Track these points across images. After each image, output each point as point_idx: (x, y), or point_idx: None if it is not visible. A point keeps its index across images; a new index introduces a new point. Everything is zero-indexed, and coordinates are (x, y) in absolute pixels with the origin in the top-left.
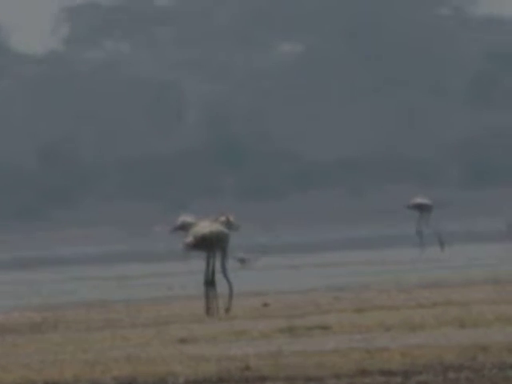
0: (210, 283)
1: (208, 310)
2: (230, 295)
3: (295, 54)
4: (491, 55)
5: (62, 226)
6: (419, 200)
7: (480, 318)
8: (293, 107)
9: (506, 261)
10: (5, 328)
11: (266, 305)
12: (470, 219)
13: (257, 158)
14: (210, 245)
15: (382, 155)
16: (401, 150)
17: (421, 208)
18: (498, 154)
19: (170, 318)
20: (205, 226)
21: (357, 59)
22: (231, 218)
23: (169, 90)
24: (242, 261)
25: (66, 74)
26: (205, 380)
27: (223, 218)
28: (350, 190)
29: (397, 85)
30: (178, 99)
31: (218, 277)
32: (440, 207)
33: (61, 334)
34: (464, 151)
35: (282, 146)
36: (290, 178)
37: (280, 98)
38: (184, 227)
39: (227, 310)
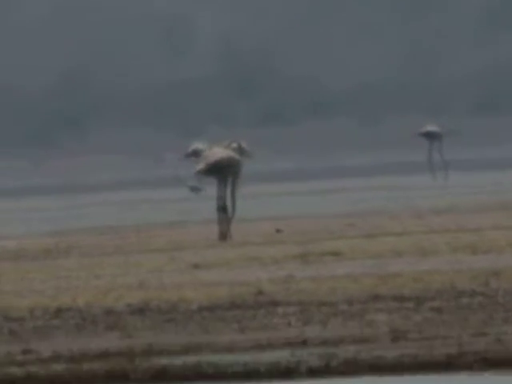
0: (222, 209)
1: (221, 236)
2: (230, 221)
3: None
4: None
5: (74, 154)
6: (429, 128)
7: (492, 243)
8: (307, 35)
9: None
10: (18, 254)
11: (278, 231)
12: (482, 147)
13: (270, 85)
14: (221, 171)
15: (395, 83)
16: (414, 79)
17: (430, 136)
18: (511, 83)
19: (183, 243)
20: (217, 153)
21: None
22: (243, 145)
23: (182, 21)
24: (195, 189)
25: (80, 3)
26: (217, 305)
27: (235, 145)
28: (362, 118)
29: (411, 13)
30: (191, 30)
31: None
32: (451, 135)
33: (74, 260)
34: (476, 80)
35: (295, 74)
36: (303, 105)
37: (294, 24)
38: (196, 154)
39: (223, 236)
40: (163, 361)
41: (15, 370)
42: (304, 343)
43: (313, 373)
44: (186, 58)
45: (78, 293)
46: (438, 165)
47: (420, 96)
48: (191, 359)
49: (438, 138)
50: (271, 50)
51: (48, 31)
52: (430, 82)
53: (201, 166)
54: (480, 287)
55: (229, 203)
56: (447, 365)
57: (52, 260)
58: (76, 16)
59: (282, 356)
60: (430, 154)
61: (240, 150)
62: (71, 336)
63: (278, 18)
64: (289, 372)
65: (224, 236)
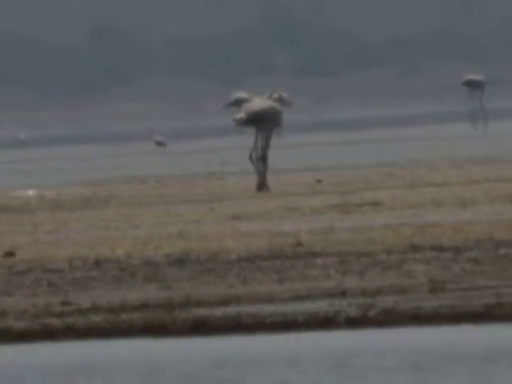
0: (262, 159)
1: (260, 187)
2: (264, 173)
3: None
4: None
5: (116, 102)
6: (471, 76)
7: None
8: None
9: None
10: (57, 204)
11: (318, 181)
12: None
13: (311, 36)
14: (261, 121)
15: (434, 33)
16: (453, 28)
17: (473, 85)
18: None
19: (222, 194)
20: (257, 103)
21: None
22: (284, 95)
23: None
24: (159, 144)
25: None
26: (257, 256)
27: (276, 95)
28: (402, 68)
29: None
30: None
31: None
32: (492, 84)
33: (112, 209)
34: None
35: (336, 25)
36: (344, 56)
37: None
38: (238, 103)
39: (262, 186)
40: (202, 312)
41: (54, 321)
42: (343, 294)
43: (351, 323)
44: (227, 9)
45: (116, 243)
46: (479, 114)
47: (461, 45)
48: (230, 310)
49: (480, 86)
50: (311, 1)
51: None
52: (470, 30)
53: (241, 115)
54: None
55: (263, 153)
56: (485, 315)
57: (90, 210)
58: None
59: (320, 306)
60: (472, 102)
61: (281, 100)
62: (110, 287)
63: None
64: (327, 322)
65: (262, 187)
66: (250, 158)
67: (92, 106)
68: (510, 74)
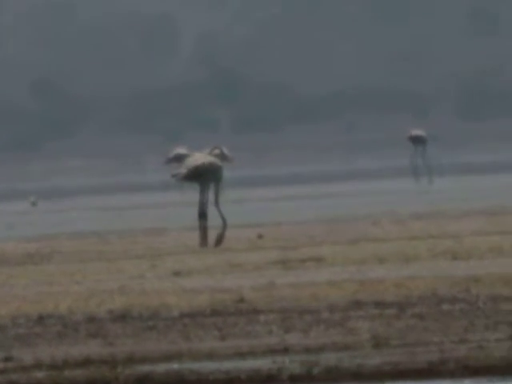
0: (203, 215)
1: (202, 242)
2: (224, 228)
3: None
4: None
5: (58, 158)
6: (415, 132)
7: (473, 249)
8: (289, 40)
9: (499, 193)
10: (0, 259)
11: (260, 236)
12: (466, 151)
13: (252, 91)
14: (202, 176)
15: (377, 88)
16: (396, 83)
17: (416, 140)
18: (496, 86)
19: (164, 249)
20: (198, 158)
21: None
22: (225, 151)
23: (164, 23)
24: (34, 203)
25: (61, 6)
26: (199, 312)
27: (217, 151)
28: (345, 123)
29: (392, 17)
30: (173, 32)
31: (211, 209)
32: (435, 139)
33: (55, 265)
34: (460, 83)
35: (277, 80)
36: (286, 111)
37: (276, 30)
38: (178, 159)
39: (218, 242)
40: (145, 368)
41: None
42: (285, 350)
43: (294, 380)
44: (167, 65)
45: (59, 298)
46: (422, 169)
47: (402, 101)
48: (173, 367)
49: (422, 142)
50: (252, 56)
51: (30, 34)
52: (412, 85)
53: (182, 170)
54: (461, 293)
55: (213, 210)
56: (429, 372)
57: (34, 265)
58: (55, 21)
59: (263, 363)
60: (416, 158)
61: (222, 156)
62: (53, 343)
63: (262, 24)
64: (270, 379)
65: (205, 242)
66: (201, 214)
67: (33, 161)
68: (453, 129)
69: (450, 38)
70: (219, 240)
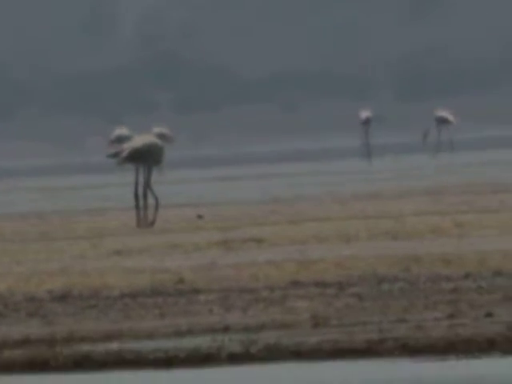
0: (143, 195)
1: (139, 222)
2: (156, 208)
3: None
4: None
5: None
6: (365, 113)
7: (413, 229)
8: (228, 22)
9: (438, 172)
10: None
11: (200, 217)
12: (404, 132)
13: (191, 73)
14: (143, 157)
15: (316, 71)
16: (335, 66)
17: (366, 121)
18: (432, 69)
19: (104, 230)
20: (138, 140)
21: None
22: (165, 131)
23: (102, 5)
24: None
25: None
26: (139, 292)
27: (157, 130)
28: (283, 105)
29: (332, 0)
30: (111, 14)
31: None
32: (378, 121)
33: None
34: (398, 67)
35: (216, 62)
36: (225, 92)
37: (215, 12)
38: (119, 140)
39: (152, 222)
40: (85, 348)
41: None
42: (225, 329)
43: (233, 359)
44: (106, 46)
45: None
46: (367, 150)
47: (341, 82)
48: (113, 346)
49: (367, 122)
50: (191, 38)
51: None
52: (351, 68)
53: (123, 153)
54: (401, 273)
55: (144, 190)
56: (368, 351)
57: None
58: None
59: (202, 342)
60: (365, 138)
61: (162, 136)
62: None
63: (200, 6)
64: (210, 358)
65: (145, 223)
66: (135, 194)
67: None
68: (390, 111)
69: (386, 20)
70: (153, 220)
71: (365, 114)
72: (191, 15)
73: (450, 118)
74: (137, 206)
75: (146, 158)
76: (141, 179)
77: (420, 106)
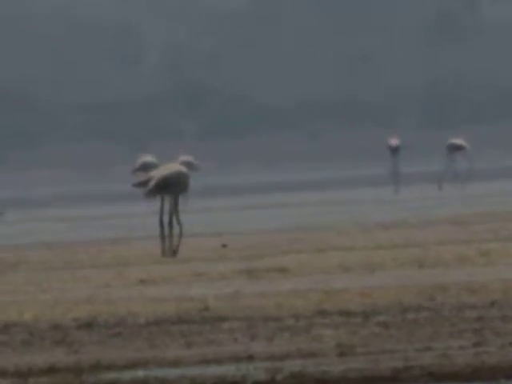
0: (169, 224)
1: (163, 251)
2: (181, 236)
3: None
4: None
5: (23, 168)
6: (395, 141)
7: (438, 258)
8: (254, 51)
9: (464, 201)
10: None
11: (224, 246)
12: (430, 161)
13: (216, 101)
14: (170, 187)
15: (340, 99)
16: (359, 94)
17: (394, 149)
18: (457, 96)
19: (129, 258)
20: (165, 169)
21: (315, 2)
22: (191, 159)
23: (128, 33)
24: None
25: (25, 15)
26: (164, 320)
27: (184, 159)
28: (309, 133)
29: (356, 28)
30: (137, 43)
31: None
32: (405, 149)
33: (21, 274)
34: (423, 94)
35: (241, 90)
36: (250, 121)
37: (241, 41)
38: (144, 168)
39: (175, 251)
40: (110, 376)
41: None
42: (250, 358)
43: None
44: (134, 76)
45: (24, 307)
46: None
47: (366, 110)
48: (138, 374)
49: (397, 151)
50: (216, 67)
51: None
52: (375, 96)
53: (151, 185)
54: (426, 302)
55: (173, 219)
56: (393, 379)
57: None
58: (16, 31)
59: (227, 370)
60: (396, 167)
61: (188, 165)
62: (18, 351)
63: (226, 35)
64: None
65: (170, 252)
66: (161, 223)
67: None
68: (415, 139)
69: (411, 48)
70: (176, 250)
71: (394, 141)
72: (216, 44)
73: (464, 144)
74: (161, 235)
75: (173, 188)
76: (166, 208)
77: (444, 133)
